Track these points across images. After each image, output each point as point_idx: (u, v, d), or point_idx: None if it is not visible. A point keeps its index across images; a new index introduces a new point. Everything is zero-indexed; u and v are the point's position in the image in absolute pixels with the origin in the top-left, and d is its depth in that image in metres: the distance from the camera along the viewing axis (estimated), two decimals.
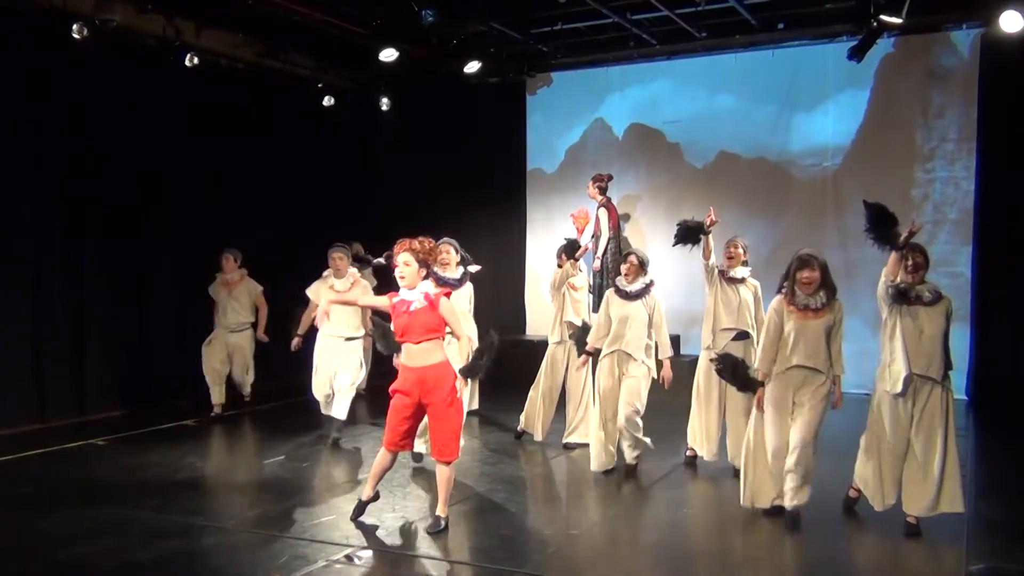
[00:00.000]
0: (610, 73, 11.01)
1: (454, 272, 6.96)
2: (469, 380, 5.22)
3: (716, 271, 6.55)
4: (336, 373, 7.36)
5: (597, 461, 6.41)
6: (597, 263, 9.48)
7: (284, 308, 8.43)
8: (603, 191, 9.69)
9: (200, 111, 9.39)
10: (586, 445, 6.78)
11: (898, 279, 5.12)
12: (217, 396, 8.41)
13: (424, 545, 4.97)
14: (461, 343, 5.18)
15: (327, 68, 10.80)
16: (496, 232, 11.46)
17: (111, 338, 8.53)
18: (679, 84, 10.69)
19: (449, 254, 6.84)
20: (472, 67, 10.12)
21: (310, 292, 7.35)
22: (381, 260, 7.02)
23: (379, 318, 5.63)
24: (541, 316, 10.78)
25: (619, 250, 9.18)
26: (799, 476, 5.13)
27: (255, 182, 10.05)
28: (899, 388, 5.06)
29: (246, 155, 9.92)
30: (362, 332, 7.42)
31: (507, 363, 5.93)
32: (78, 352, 8.34)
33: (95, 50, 8.06)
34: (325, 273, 7.37)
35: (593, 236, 9.49)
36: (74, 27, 7.79)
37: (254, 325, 8.46)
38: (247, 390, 8.80)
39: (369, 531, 5.17)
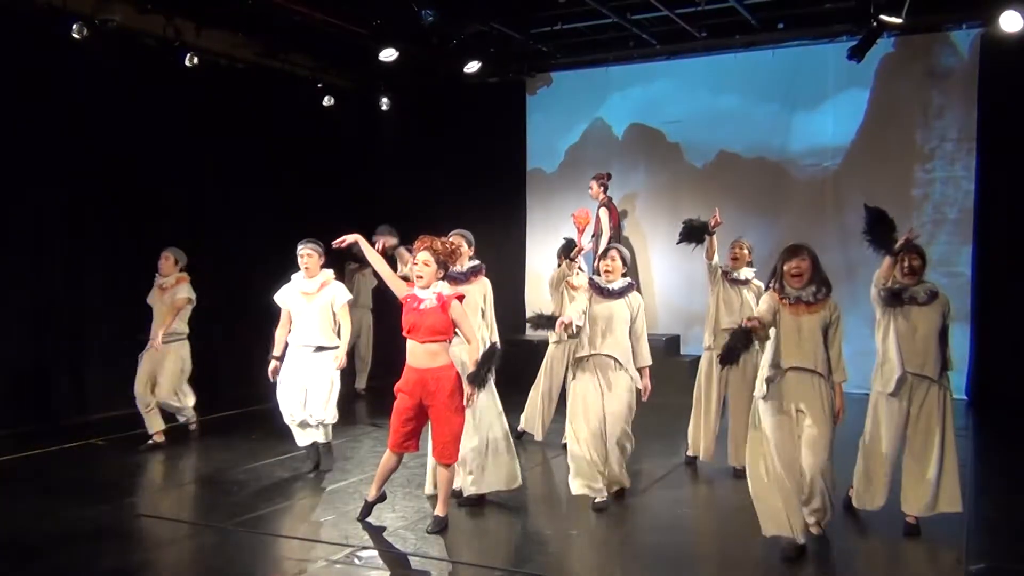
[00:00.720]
0: (610, 73, 11.01)
1: (464, 265, 5.99)
2: (477, 388, 5.09)
3: (719, 271, 6.54)
4: (306, 397, 6.31)
5: (580, 483, 5.63)
6: (598, 263, 9.48)
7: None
8: (605, 190, 9.70)
9: (200, 111, 9.39)
10: None
11: (890, 281, 5.07)
12: (150, 424, 7.22)
13: (424, 545, 4.97)
14: (471, 347, 5.12)
15: (327, 68, 10.80)
16: (496, 232, 11.45)
17: (111, 338, 8.52)
18: (679, 84, 10.69)
19: (461, 247, 5.99)
20: (472, 67, 10.12)
21: (279, 300, 6.37)
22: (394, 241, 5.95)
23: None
24: None
25: None
26: (820, 510, 4.79)
27: (255, 182, 10.04)
28: (891, 388, 5.05)
29: (246, 155, 9.91)
30: (337, 342, 6.37)
31: (507, 363, 5.88)
32: (78, 352, 8.33)
33: (95, 50, 8.06)
34: (294, 276, 6.40)
35: (593, 235, 9.50)
36: (74, 27, 7.80)
37: (191, 338, 7.43)
38: (186, 417, 7.56)
39: (369, 531, 5.17)
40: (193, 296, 7.28)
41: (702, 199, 10.39)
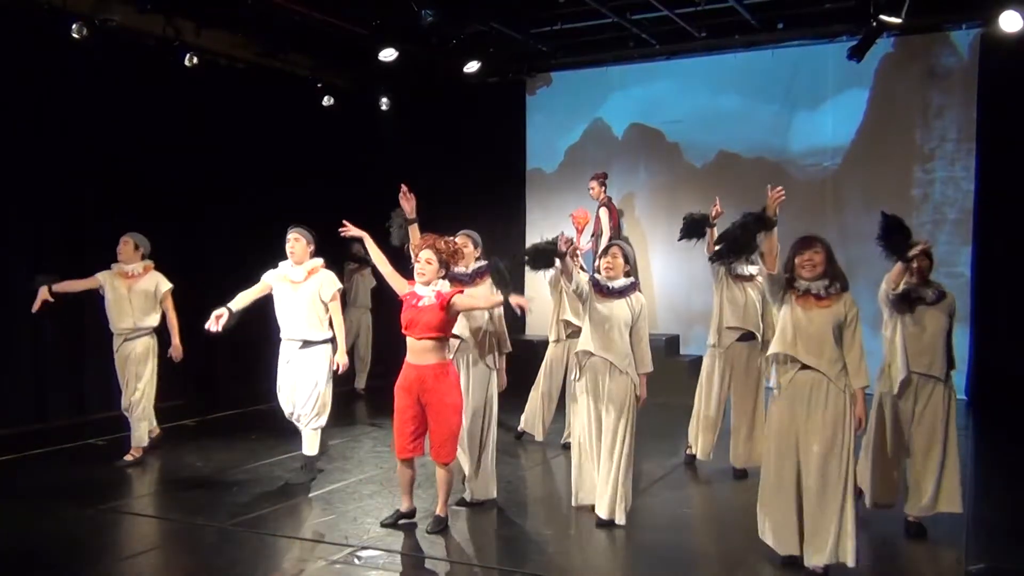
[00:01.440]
0: (610, 73, 11.01)
1: (468, 266, 5.83)
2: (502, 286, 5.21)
3: (723, 268, 6.36)
4: (296, 394, 6.06)
5: (578, 498, 5.50)
6: (598, 262, 9.47)
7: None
8: (605, 189, 9.70)
9: (200, 111, 9.39)
10: None
11: (900, 286, 5.05)
12: (145, 433, 6.80)
13: (424, 545, 4.97)
14: (492, 300, 5.24)
15: (327, 68, 10.80)
16: (496, 232, 11.45)
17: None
18: (679, 84, 10.69)
19: (466, 247, 5.79)
20: (472, 67, 10.13)
21: (265, 276, 6.10)
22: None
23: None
24: (541, 316, 10.72)
25: None
26: (831, 540, 4.36)
27: (255, 182, 10.04)
28: (896, 390, 5.03)
29: (246, 155, 9.91)
30: (329, 335, 6.05)
31: (508, 364, 5.87)
32: (78, 352, 8.33)
33: (95, 50, 8.06)
34: (282, 263, 6.10)
35: (593, 235, 9.49)
36: (73, 27, 7.80)
37: (160, 331, 6.85)
38: (142, 431, 6.76)
39: (369, 531, 5.17)
40: (170, 284, 6.85)
41: (702, 199, 10.33)
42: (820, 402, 4.37)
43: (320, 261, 6.15)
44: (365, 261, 8.16)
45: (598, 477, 5.26)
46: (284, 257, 6.14)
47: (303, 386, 6.06)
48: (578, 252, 7.10)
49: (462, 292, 5.17)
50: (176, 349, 6.80)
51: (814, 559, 4.37)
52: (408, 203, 5.50)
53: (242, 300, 5.89)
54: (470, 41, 9.92)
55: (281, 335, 6.11)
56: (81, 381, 8.36)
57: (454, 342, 5.63)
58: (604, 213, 9.61)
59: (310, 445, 6.23)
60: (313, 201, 10.69)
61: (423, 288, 5.04)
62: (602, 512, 5.20)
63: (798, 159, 10.12)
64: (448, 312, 4.98)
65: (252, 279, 8.52)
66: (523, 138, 11.59)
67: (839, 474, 4.33)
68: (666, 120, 10.76)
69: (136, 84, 8.74)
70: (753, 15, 9.45)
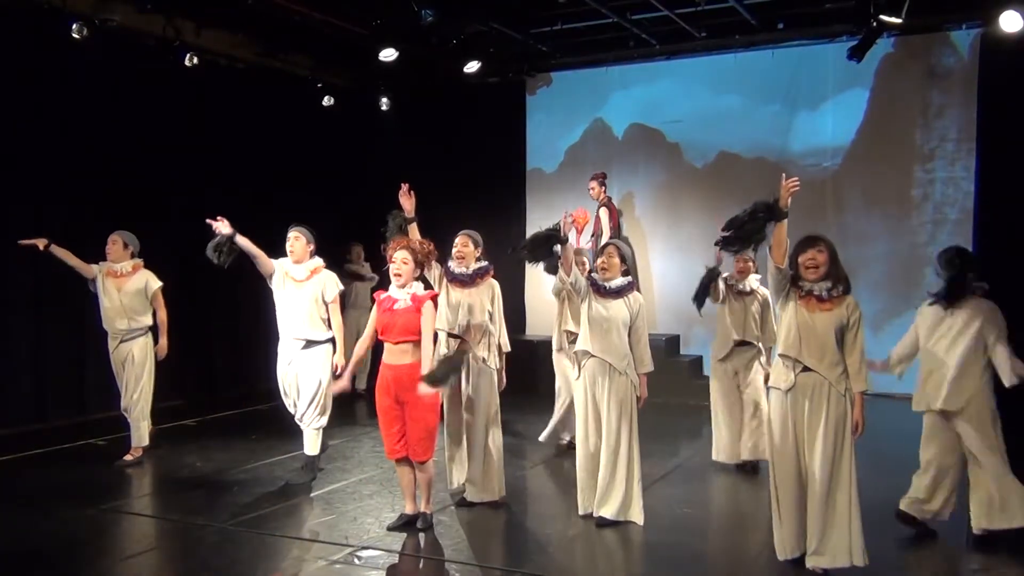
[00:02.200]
0: (610, 73, 11.00)
1: (468, 266, 5.71)
2: (430, 386, 4.77)
3: (723, 285, 6.55)
4: (299, 394, 6.08)
5: (585, 505, 5.42)
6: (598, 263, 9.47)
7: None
8: (605, 189, 9.69)
9: (199, 111, 9.39)
10: None
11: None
12: (145, 433, 6.79)
13: (424, 545, 4.97)
14: (424, 352, 4.93)
15: (327, 68, 10.80)
16: (496, 232, 11.43)
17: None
18: (679, 84, 10.68)
19: (467, 247, 5.72)
20: (472, 67, 10.12)
21: (276, 262, 6.05)
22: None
23: None
24: (541, 316, 10.78)
25: None
26: (841, 543, 4.35)
27: (255, 182, 10.05)
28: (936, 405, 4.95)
29: (245, 155, 9.91)
30: (331, 335, 6.11)
31: (508, 365, 5.87)
32: (78, 352, 8.33)
33: (95, 50, 8.06)
34: (280, 261, 6.08)
35: (593, 235, 9.49)
36: (73, 27, 7.80)
37: (153, 330, 6.78)
38: (143, 431, 6.76)
39: (369, 531, 5.17)
40: (160, 283, 6.81)
41: (702, 199, 10.43)
42: (822, 405, 4.35)
43: (321, 262, 6.16)
44: (360, 276, 8.12)
45: (599, 478, 5.24)
46: (282, 255, 6.15)
47: (306, 386, 6.05)
48: (584, 258, 7.08)
49: (436, 298, 5.14)
50: (162, 348, 6.81)
51: (821, 561, 4.36)
52: (408, 201, 5.50)
53: (248, 244, 5.90)
54: (470, 41, 9.92)
55: (281, 335, 6.09)
56: (81, 381, 8.36)
57: (452, 342, 5.64)
58: (604, 213, 9.61)
59: (311, 445, 6.24)
60: (313, 201, 10.71)
61: (398, 292, 5.03)
62: (607, 513, 5.19)
63: (798, 159, 10.11)
64: (421, 313, 4.96)
65: (251, 279, 8.56)
66: (523, 138, 11.59)
67: (844, 477, 4.31)
68: (666, 120, 10.75)
69: (136, 84, 8.74)
70: (753, 15, 9.45)
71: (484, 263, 5.75)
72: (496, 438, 5.69)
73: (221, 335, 9.88)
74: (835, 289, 4.39)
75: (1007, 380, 4.85)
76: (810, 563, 4.40)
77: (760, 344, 6.58)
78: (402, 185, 5.52)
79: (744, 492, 6.20)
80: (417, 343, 5.00)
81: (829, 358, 4.34)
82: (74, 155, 8.29)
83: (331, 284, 6.11)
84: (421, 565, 4.80)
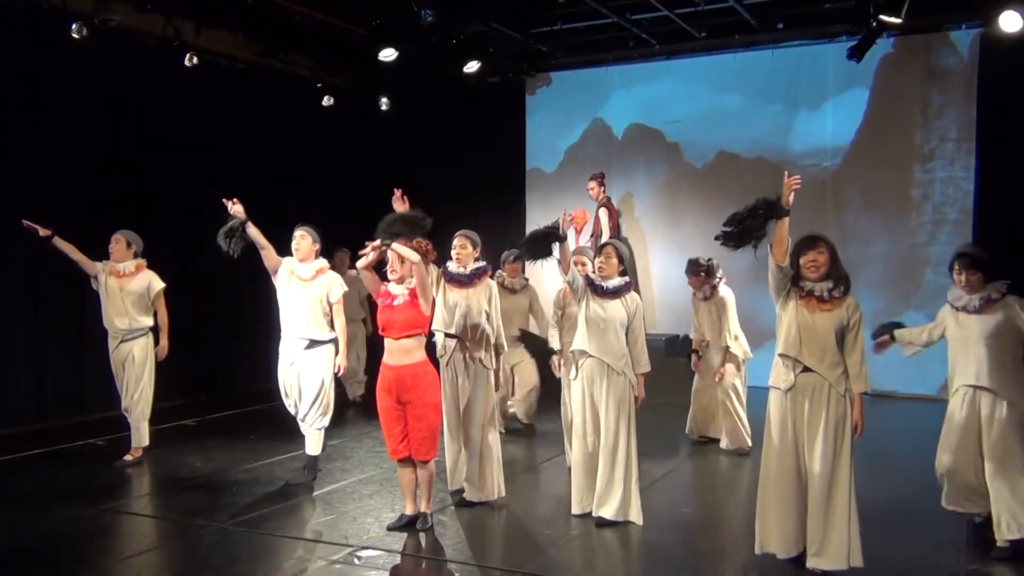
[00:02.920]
0: (610, 73, 11.01)
1: (466, 267, 5.70)
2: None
3: (697, 294, 7.35)
4: (300, 395, 6.06)
5: (583, 504, 5.41)
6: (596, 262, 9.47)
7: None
8: (604, 189, 9.69)
9: (200, 111, 9.39)
10: None
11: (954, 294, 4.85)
12: (145, 434, 6.76)
13: (424, 545, 4.97)
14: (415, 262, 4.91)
15: (326, 68, 10.80)
16: (496, 232, 11.45)
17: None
18: (679, 84, 10.68)
19: (465, 248, 5.72)
20: (472, 67, 10.13)
21: (284, 259, 6.10)
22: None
23: None
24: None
25: None
26: (841, 544, 4.33)
27: (254, 182, 10.04)
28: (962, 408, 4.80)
29: (245, 155, 9.91)
30: (332, 335, 6.06)
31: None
32: (78, 352, 8.33)
33: (94, 50, 8.06)
34: (286, 259, 6.11)
35: (592, 236, 9.48)
36: (73, 27, 7.80)
37: (154, 330, 6.77)
38: (140, 433, 6.74)
39: (369, 531, 5.17)
40: (163, 283, 6.81)
41: (702, 199, 10.43)
42: (822, 405, 4.34)
43: (326, 263, 6.19)
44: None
45: (598, 478, 5.24)
46: (281, 255, 6.15)
47: (308, 386, 6.05)
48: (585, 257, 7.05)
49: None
50: (162, 349, 6.82)
51: (821, 562, 4.36)
52: (402, 207, 5.48)
53: (259, 234, 5.97)
54: (470, 41, 9.92)
55: (284, 333, 6.08)
56: (81, 381, 8.36)
57: (450, 342, 5.64)
58: (603, 214, 9.61)
59: (313, 445, 6.23)
60: (313, 201, 10.70)
61: (396, 287, 5.05)
62: (607, 513, 5.19)
63: (798, 159, 10.11)
64: (420, 306, 4.97)
65: (251, 279, 8.59)
66: (523, 138, 11.59)
67: (843, 478, 4.31)
68: (666, 120, 10.75)
69: (136, 84, 8.74)
70: (753, 15, 9.45)
71: (482, 263, 5.75)
72: (494, 438, 5.70)
73: (221, 335, 9.88)
74: (836, 289, 4.38)
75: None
76: (810, 564, 4.40)
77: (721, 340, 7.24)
78: (395, 191, 5.50)
79: (744, 492, 6.20)
80: (418, 338, 5.02)
81: (829, 359, 4.32)
82: (74, 155, 8.29)
83: (336, 285, 6.12)
84: (421, 565, 4.80)
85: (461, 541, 5.08)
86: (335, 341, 6.13)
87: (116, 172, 8.62)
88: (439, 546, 4.97)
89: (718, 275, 7.33)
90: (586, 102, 11.19)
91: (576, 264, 5.41)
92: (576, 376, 5.29)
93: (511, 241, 11.44)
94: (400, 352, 4.99)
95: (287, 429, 6.95)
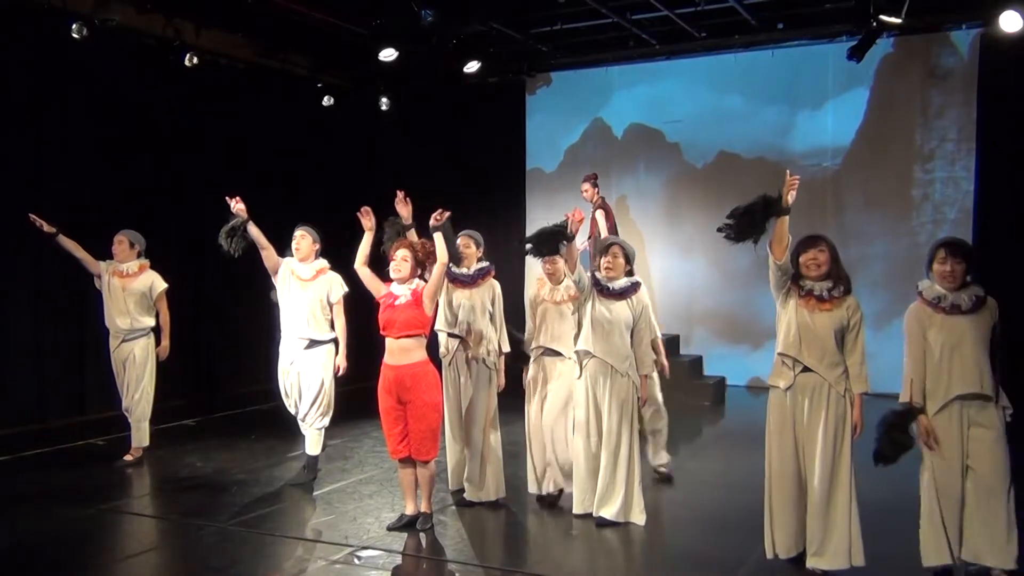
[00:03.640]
0: (610, 73, 11.01)
1: (469, 267, 5.72)
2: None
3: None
4: (300, 395, 6.07)
5: (584, 504, 5.35)
6: (599, 261, 9.46)
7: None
8: (598, 190, 9.67)
9: (199, 111, 9.39)
10: None
11: (923, 287, 4.37)
12: (145, 435, 6.76)
13: (424, 545, 4.97)
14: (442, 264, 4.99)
15: (326, 68, 10.80)
16: (496, 232, 11.45)
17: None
18: (679, 84, 10.69)
19: (468, 248, 5.72)
20: (472, 67, 10.12)
21: (283, 260, 6.09)
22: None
23: None
24: None
25: None
26: (842, 544, 4.30)
27: (254, 182, 10.03)
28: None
29: (245, 155, 9.91)
30: (332, 335, 6.07)
31: (508, 367, 5.86)
32: (78, 352, 8.33)
33: (94, 50, 8.06)
34: (286, 259, 6.12)
35: (590, 237, 9.46)
36: (73, 27, 7.80)
37: (155, 331, 6.77)
38: (140, 433, 6.73)
39: (369, 531, 5.17)
40: (166, 284, 6.81)
41: (702, 199, 10.43)
42: (821, 405, 4.33)
43: (326, 263, 6.18)
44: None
45: (599, 479, 5.24)
46: (281, 255, 6.16)
47: (309, 386, 6.05)
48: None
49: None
50: (164, 350, 6.83)
51: (821, 562, 4.36)
52: (405, 209, 5.47)
53: (259, 234, 5.99)
54: (470, 41, 9.92)
55: (284, 334, 6.09)
56: (81, 381, 8.36)
57: (453, 342, 5.64)
58: (600, 215, 9.60)
59: (314, 445, 6.24)
60: (313, 201, 10.72)
61: (399, 287, 5.05)
62: (608, 514, 5.19)
63: (798, 159, 10.11)
64: (424, 306, 4.98)
65: (250, 277, 8.60)
66: (523, 138, 11.59)
67: (843, 478, 4.30)
68: (666, 120, 10.76)
69: (136, 84, 8.74)
70: (753, 15, 9.45)
71: (485, 263, 5.75)
72: (495, 438, 5.70)
73: (221, 335, 9.87)
74: (836, 289, 4.37)
75: None
76: (810, 564, 4.40)
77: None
78: (398, 192, 5.50)
79: (744, 492, 6.19)
80: (419, 339, 5.02)
81: (829, 358, 4.32)
82: (73, 155, 8.29)
83: (336, 285, 6.12)
84: (421, 565, 4.80)
85: (461, 541, 5.08)
86: (335, 341, 6.15)
87: (116, 172, 8.62)
88: (439, 546, 4.97)
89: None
90: (586, 102, 11.19)
91: (461, 246, 5.55)
92: (580, 376, 5.27)
93: (511, 241, 11.51)
94: (400, 352, 4.99)
95: (287, 429, 6.95)
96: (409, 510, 5.22)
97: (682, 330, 10.48)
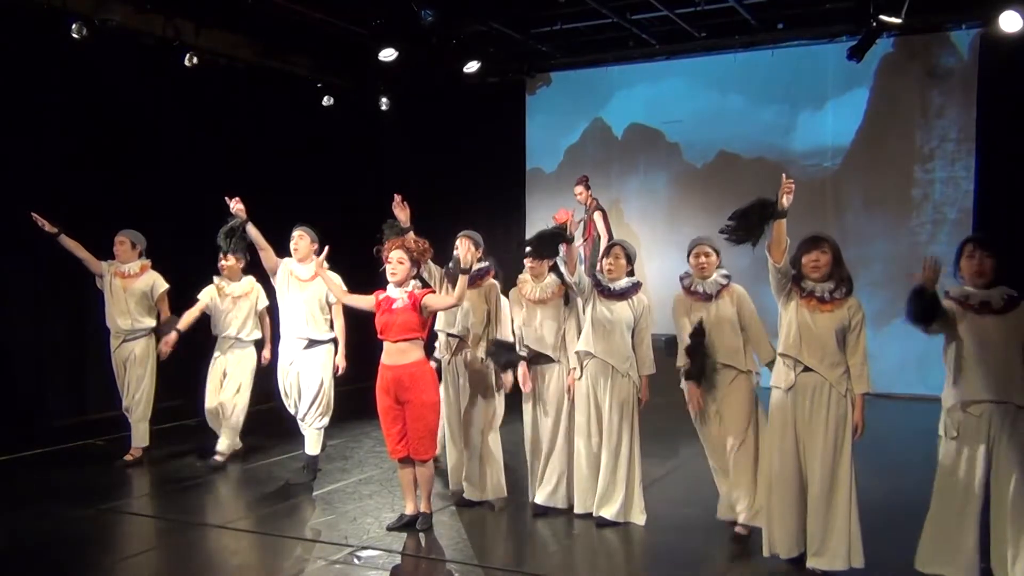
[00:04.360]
0: (610, 73, 11.01)
1: (472, 267, 5.37)
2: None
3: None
4: (300, 395, 6.10)
5: (585, 504, 5.37)
6: (600, 261, 9.47)
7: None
8: (591, 192, 9.67)
9: (200, 111, 9.39)
10: None
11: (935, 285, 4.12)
12: (145, 434, 6.76)
13: (424, 545, 4.97)
14: (455, 297, 5.00)
15: (326, 68, 10.80)
16: (495, 232, 11.46)
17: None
18: (679, 84, 10.69)
19: (469, 250, 5.42)
20: (472, 67, 10.13)
21: (283, 261, 6.09)
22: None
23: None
24: None
25: None
26: (842, 545, 4.30)
27: (254, 182, 10.02)
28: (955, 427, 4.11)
29: (245, 155, 9.90)
30: (332, 335, 6.11)
31: (506, 367, 5.86)
32: (78, 352, 8.33)
33: (95, 50, 8.06)
34: (285, 260, 6.14)
35: (586, 240, 9.46)
36: (73, 26, 7.80)
37: (156, 332, 6.81)
38: (140, 433, 6.73)
39: (369, 531, 5.17)
40: (167, 285, 6.82)
41: (702, 199, 10.43)
42: (822, 405, 4.33)
43: (324, 262, 6.11)
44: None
45: (600, 479, 5.24)
46: (281, 255, 6.17)
47: (308, 385, 6.07)
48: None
49: (432, 292, 5.17)
50: (166, 345, 6.78)
51: (821, 562, 4.36)
52: (403, 212, 5.46)
53: (258, 235, 6.07)
54: (470, 41, 9.93)
55: (283, 334, 6.10)
56: (81, 381, 8.36)
57: (452, 342, 5.64)
58: (599, 217, 9.61)
59: (313, 444, 6.25)
60: (313, 201, 10.70)
61: (395, 291, 5.05)
62: (608, 514, 5.19)
63: (798, 159, 10.11)
64: (421, 312, 4.98)
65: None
66: (523, 138, 11.59)
67: (844, 478, 4.29)
68: (666, 120, 10.76)
69: (136, 84, 8.74)
70: (753, 15, 9.46)
71: (485, 264, 5.73)
72: (495, 438, 5.70)
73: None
74: (838, 291, 4.37)
75: None
76: (810, 564, 4.41)
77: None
78: (395, 196, 5.49)
79: None
80: (416, 341, 5.02)
81: (829, 359, 4.31)
82: (73, 155, 8.28)
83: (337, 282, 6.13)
84: (421, 565, 4.80)
85: (461, 541, 5.08)
86: (334, 341, 6.16)
87: (116, 172, 8.62)
88: (439, 546, 4.97)
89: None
90: (586, 102, 11.19)
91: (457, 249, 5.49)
92: (581, 376, 5.27)
93: (511, 241, 11.51)
94: (397, 353, 4.99)
95: (287, 429, 6.95)
96: (409, 510, 5.22)
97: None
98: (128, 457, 6.75)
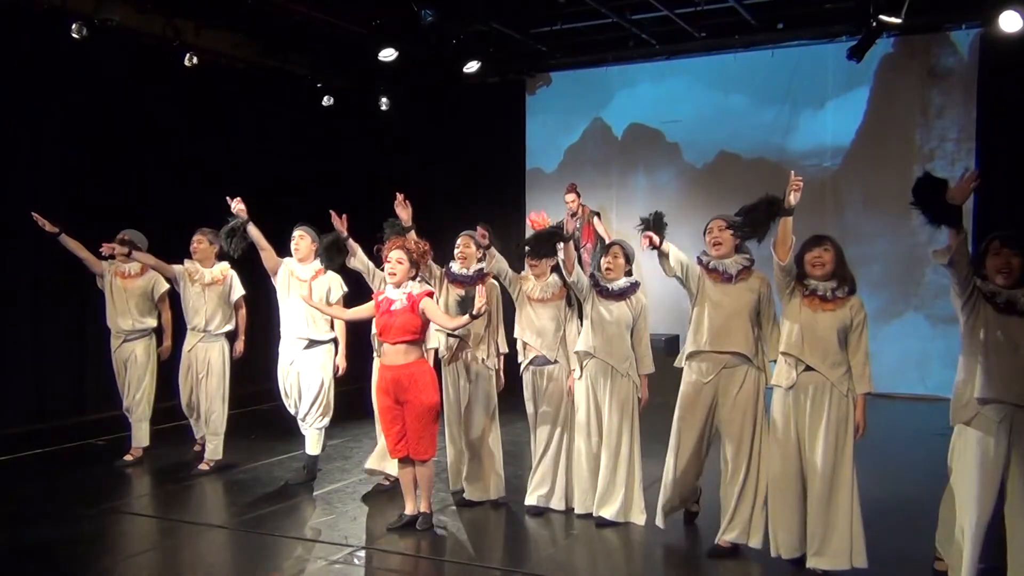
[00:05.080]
0: (610, 73, 11.01)
1: (469, 267, 5.69)
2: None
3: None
4: (300, 395, 6.12)
5: (585, 504, 5.37)
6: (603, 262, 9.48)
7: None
8: (580, 198, 9.68)
9: (200, 111, 9.39)
10: None
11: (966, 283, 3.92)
12: (145, 434, 6.76)
13: (424, 545, 4.97)
14: (453, 324, 5.04)
15: (327, 68, 10.80)
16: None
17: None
18: (679, 84, 10.69)
19: (469, 248, 5.68)
20: (472, 67, 10.12)
21: (284, 261, 6.11)
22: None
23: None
24: None
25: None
26: (844, 544, 4.29)
27: (254, 182, 10.03)
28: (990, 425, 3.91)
29: (245, 155, 9.91)
30: (332, 335, 6.12)
31: (508, 369, 5.86)
32: (78, 352, 8.33)
33: (95, 50, 8.07)
34: (286, 260, 6.16)
35: (585, 245, 9.45)
36: (73, 26, 7.80)
37: (157, 331, 6.82)
38: (140, 433, 6.75)
39: (368, 531, 5.17)
40: (167, 285, 6.77)
41: (702, 199, 10.41)
42: (823, 404, 4.33)
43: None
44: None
45: (600, 479, 5.24)
46: (281, 255, 6.17)
47: (308, 386, 6.08)
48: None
49: (431, 295, 5.15)
50: (165, 350, 6.87)
51: (821, 562, 4.36)
52: (405, 211, 5.48)
53: (259, 235, 6.02)
54: (470, 41, 9.93)
55: (284, 334, 6.10)
56: (81, 381, 8.37)
57: (452, 341, 5.64)
58: (597, 222, 9.62)
59: (313, 445, 6.25)
60: (312, 201, 10.68)
61: (394, 291, 5.04)
62: (608, 514, 5.20)
63: (798, 159, 10.11)
64: (420, 315, 4.98)
65: (250, 278, 8.56)
66: (523, 138, 11.59)
67: (845, 478, 4.29)
68: (666, 120, 10.76)
69: (136, 84, 8.74)
70: (753, 15, 9.45)
71: (484, 263, 5.72)
72: (495, 438, 5.70)
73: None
74: (840, 289, 4.36)
75: None
76: (811, 564, 4.41)
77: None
78: (397, 195, 5.49)
79: None
80: (415, 342, 5.02)
81: (831, 358, 4.30)
82: (73, 155, 8.29)
83: (336, 285, 6.13)
84: (421, 565, 4.80)
85: (461, 541, 5.09)
86: (335, 341, 6.17)
87: (116, 172, 8.63)
88: (439, 546, 4.97)
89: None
90: (586, 102, 11.19)
91: (461, 247, 5.60)
92: (580, 376, 5.27)
93: (511, 241, 11.50)
94: (396, 353, 5.00)
95: (287, 429, 6.95)
96: (409, 510, 5.22)
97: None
98: (128, 457, 6.75)
